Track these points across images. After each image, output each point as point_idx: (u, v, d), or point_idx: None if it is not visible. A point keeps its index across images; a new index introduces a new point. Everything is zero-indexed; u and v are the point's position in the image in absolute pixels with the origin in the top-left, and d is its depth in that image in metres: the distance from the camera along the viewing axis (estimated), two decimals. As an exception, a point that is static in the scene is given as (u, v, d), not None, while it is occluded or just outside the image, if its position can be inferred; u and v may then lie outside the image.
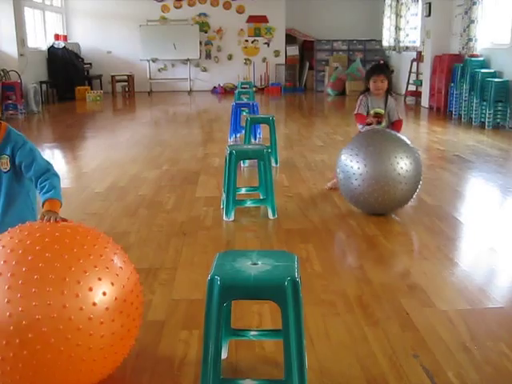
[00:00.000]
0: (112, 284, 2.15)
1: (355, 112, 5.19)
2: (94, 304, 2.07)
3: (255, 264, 2.20)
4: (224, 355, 2.59)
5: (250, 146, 5.61)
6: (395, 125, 5.21)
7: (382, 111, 5.15)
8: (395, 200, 4.68)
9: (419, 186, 4.83)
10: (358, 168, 4.59)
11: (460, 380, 2.52)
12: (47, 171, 2.75)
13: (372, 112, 5.11)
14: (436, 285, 3.57)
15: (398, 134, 4.81)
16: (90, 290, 2.08)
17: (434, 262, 3.91)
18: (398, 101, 13.98)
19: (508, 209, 5.45)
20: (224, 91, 16.24)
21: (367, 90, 5.17)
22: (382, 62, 5.70)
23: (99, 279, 2.12)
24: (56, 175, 2.78)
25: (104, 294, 2.11)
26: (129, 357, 2.70)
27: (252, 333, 2.72)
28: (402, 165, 4.53)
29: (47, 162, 2.82)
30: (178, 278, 3.64)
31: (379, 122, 5.11)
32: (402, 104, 13.63)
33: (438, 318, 3.08)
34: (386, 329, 2.97)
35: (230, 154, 4.75)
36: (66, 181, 6.46)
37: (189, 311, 3.19)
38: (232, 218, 4.77)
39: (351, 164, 4.65)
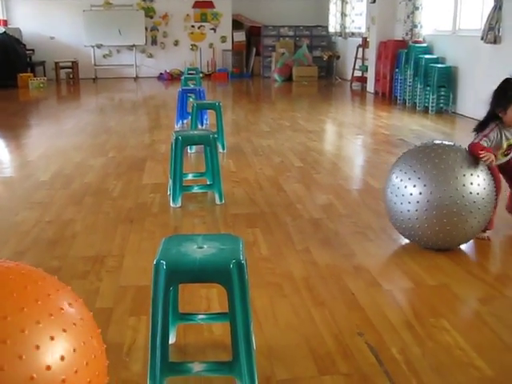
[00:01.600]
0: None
1: (475, 141, 3.84)
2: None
3: (201, 248, 2.21)
4: (172, 340, 2.61)
5: (196, 132, 5.60)
6: None
7: None
8: (464, 233, 3.68)
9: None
10: (415, 191, 3.62)
11: (403, 355, 2.59)
12: None
13: (506, 144, 3.93)
14: (381, 265, 3.66)
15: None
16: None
17: (378, 243, 4.00)
18: (344, 87, 14.15)
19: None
20: (171, 77, 16.10)
21: (496, 116, 3.97)
22: None
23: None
24: None
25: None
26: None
27: (200, 316, 2.74)
28: (475, 185, 3.57)
29: None
30: (126, 265, 3.62)
31: (506, 155, 4.03)
32: (348, 90, 13.79)
33: (382, 298, 3.16)
34: (332, 309, 3.02)
35: (176, 139, 4.73)
36: (9, 170, 6.35)
37: (137, 297, 3.19)
38: (179, 204, 4.76)
39: (404, 184, 3.68)
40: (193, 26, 16.84)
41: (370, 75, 12.85)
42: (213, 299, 3.12)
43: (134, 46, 16.15)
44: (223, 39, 16.94)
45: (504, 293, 3.26)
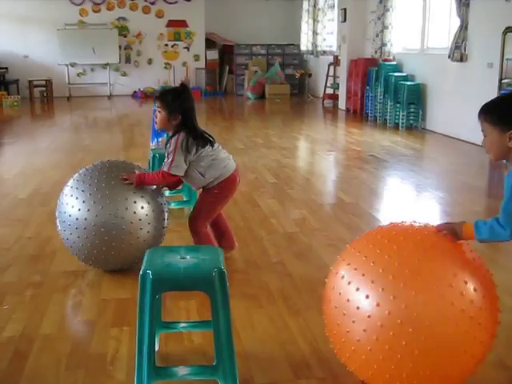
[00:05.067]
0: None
1: None
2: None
3: (184, 258, 2.35)
4: (156, 347, 2.72)
5: (173, 150, 5.73)
6: None
7: None
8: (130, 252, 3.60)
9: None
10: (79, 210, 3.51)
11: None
12: None
13: None
14: (353, 276, 3.80)
15: None
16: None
17: (350, 255, 4.15)
18: (316, 104, 14.39)
19: (421, 204, 5.79)
20: (144, 96, 16.22)
21: None
22: None
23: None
24: None
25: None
26: (62, 355, 2.81)
27: (181, 325, 2.87)
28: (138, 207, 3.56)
29: None
30: (106, 279, 3.73)
31: None
32: (320, 107, 14.03)
33: (354, 306, 3.30)
34: (307, 317, 3.17)
35: (153, 157, 4.86)
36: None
37: (118, 309, 3.30)
38: (157, 219, 4.87)
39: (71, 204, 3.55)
40: (166, 45, 16.99)
41: (342, 92, 13.11)
42: (191, 310, 3.25)
43: (107, 64, 16.24)
44: (196, 57, 17.11)
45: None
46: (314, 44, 15.56)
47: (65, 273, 3.82)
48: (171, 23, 16.80)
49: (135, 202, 3.53)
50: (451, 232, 2.41)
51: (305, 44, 16.38)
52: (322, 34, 15.19)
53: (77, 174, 3.69)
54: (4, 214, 5.23)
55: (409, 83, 10.20)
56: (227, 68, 17.15)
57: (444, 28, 9.69)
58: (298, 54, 16.81)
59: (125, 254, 3.58)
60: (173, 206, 5.08)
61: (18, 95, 15.06)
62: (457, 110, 9.06)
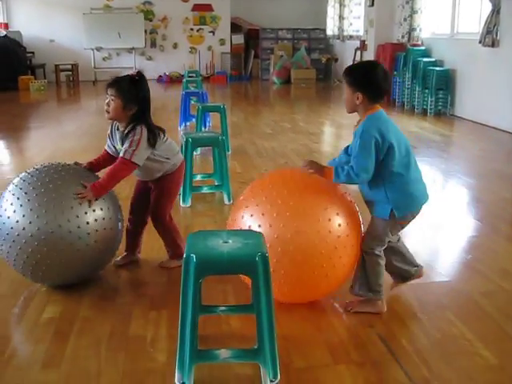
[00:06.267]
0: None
1: None
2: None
3: (226, 242, 2.36)
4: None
5: (205, 134, 5.75)
6: None
7: None
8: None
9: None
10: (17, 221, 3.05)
11: (413, 346, 2.75)
12: None
13: None
14: (387, 262, 3.80)
15: None
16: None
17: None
18: (342, 89, 14.29)
19: (451, 190, 5.75)
20: (170, 80, 16.24)
21: None
22: None
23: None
24: None
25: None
26: (102, 337, 2.85)
27: (221, 308, 2.89)
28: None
29: None
30: (142, 264, 3.77)
31: None
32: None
33: (389, 292, 3.30)
34: (343, 303, 3.17)
35: (187, 141, 4.87)
36: (17, 171, 6.46)
37: (155, 293, 3.33)
38: (189, 204, 4.90)
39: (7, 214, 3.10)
40: (192, 29, 16.98)
41: (368, 78, 12.98)
42: (228, 294, 3.27)
43: (133, 48, 16.28)
44: (222, 42, 17.08)
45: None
46: (341, 28, 15.44)
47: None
48: (196, 7, 16.76)
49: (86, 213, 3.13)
50: (316, 171, 2.96)
51: (331, 28, 16.26)
52: (348, 18, 15.07)
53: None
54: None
55: (438, 69, 10.09)
56: (253, 52, 17.09)
57: (475, 12, 9.55)
58: (324, 39, 16.70)
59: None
60: (205, 190, 5.10)
61: (45, 79, 15.16)
62: (487, 97, 8.94)
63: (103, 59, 16.54)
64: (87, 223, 3.11)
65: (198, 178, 5.36)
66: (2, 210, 3.12)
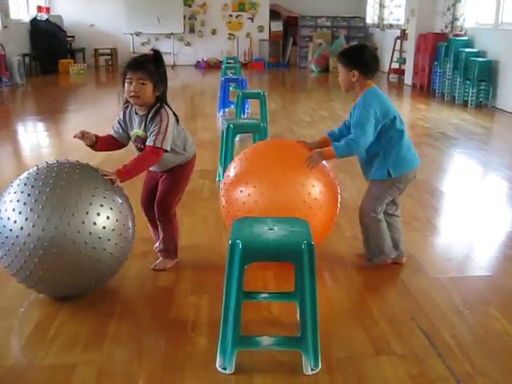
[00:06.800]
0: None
1: None
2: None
3: (271, 229, 2.36)
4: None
5: (246, 120, 5.75)
6: None
7: None
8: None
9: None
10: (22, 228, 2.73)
11: (455, 340, 2.71)
12: None
13: None
14: (427, 254, 3.76)
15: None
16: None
17: (424, 232, 4.11)
18: (381, 78, 14.15)
19: (492, 183, 5.65)
20: (208, 66, 16.26)
21: None
22: None
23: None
24: None
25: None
26: (143, 320, 2.87)
27: (263, 295, 2.88)
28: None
29: None
30: (183, 247, 3.77)
31: None
32: (385, 81, 13.80)
33: (431, 285, 3.27)
34: (384, 294, 3.15)
35: (228, 127, 4.87)
36: (59, 155, 6.54)
37: (196, 277, 3.34)
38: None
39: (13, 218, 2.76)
40: (230, 16, 16.97)
41: (409, 67, 12.85)
42: (269, 281, 3.27)
43: (172, 34, 16.34)
44: (260, 29, 17.03)
45: (551, 284, 3.35)
46: (381, 17, 15.27)
47: (142, 239, 3.87)
48: (236, -7, 16.76)
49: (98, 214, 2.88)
50: (318, 161, 3.33)
51: (371, 17, 16.09)
52: (389, 7, 14.90)
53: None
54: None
55: (480, 59, 9.91)
56: (291, 40, 17.01)
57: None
58: (364, 27, 16.53)
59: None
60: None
61: (84, 63, 15.33)
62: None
63: (142, 44, 16.63)
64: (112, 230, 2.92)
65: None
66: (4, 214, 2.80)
